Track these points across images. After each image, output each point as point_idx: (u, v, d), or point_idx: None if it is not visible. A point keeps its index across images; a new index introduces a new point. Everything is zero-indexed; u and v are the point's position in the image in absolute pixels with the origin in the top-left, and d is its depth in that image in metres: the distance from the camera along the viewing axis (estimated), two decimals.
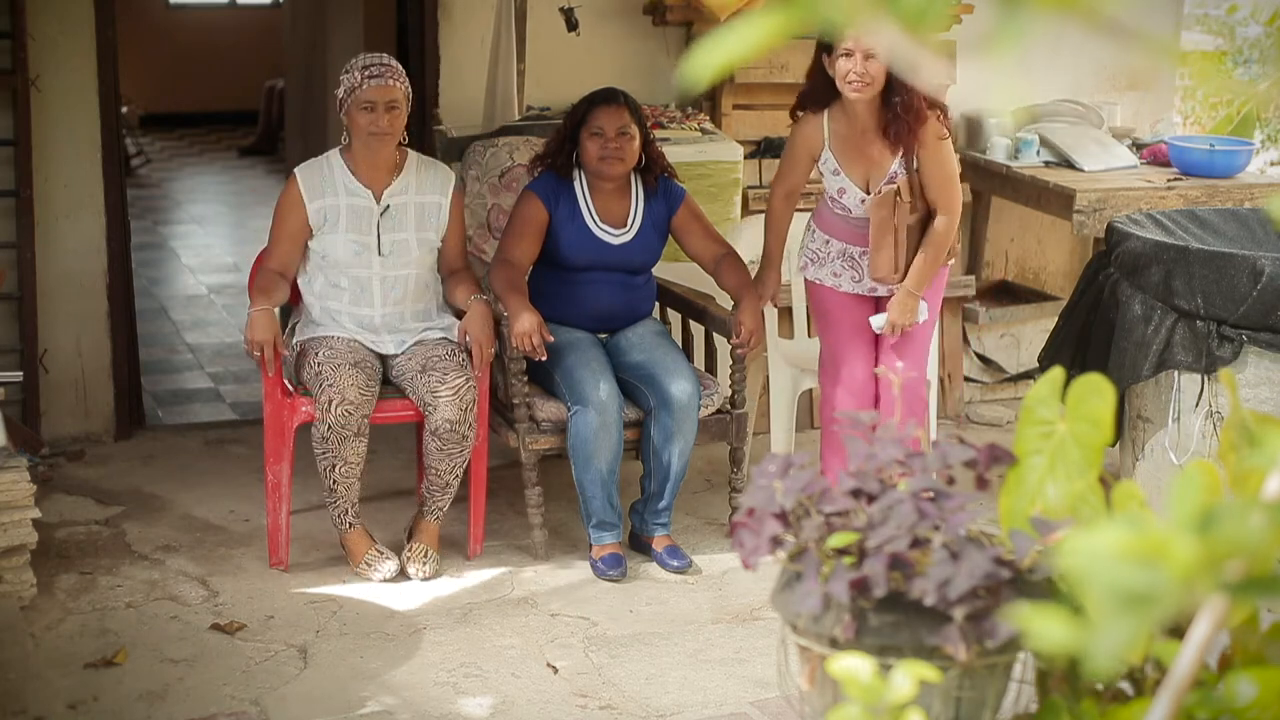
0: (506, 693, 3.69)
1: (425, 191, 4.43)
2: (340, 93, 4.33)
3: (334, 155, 4.42)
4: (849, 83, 4.22)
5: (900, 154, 4.34)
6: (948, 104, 4.42)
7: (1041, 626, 1.11)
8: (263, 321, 4.19)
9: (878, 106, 4.30)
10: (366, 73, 4.28)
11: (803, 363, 4.90)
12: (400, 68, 4.37)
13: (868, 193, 4.39)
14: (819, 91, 4.37)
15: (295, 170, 4.44)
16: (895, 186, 4.33)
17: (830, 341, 4.55)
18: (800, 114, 4.46)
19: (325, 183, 4.37)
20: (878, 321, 4.44)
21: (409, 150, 4.47)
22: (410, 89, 4.38)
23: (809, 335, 5.03)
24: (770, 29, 1.07)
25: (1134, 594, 1.08)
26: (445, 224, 4.46)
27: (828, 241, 4.52)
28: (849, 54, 4.21)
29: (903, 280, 4.40)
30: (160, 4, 13.25)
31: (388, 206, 4.38)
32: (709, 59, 1.09)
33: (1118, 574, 1.08)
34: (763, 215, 4.77)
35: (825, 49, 4.31)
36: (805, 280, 4.63)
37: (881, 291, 4.49)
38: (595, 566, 4.41)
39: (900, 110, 4.26)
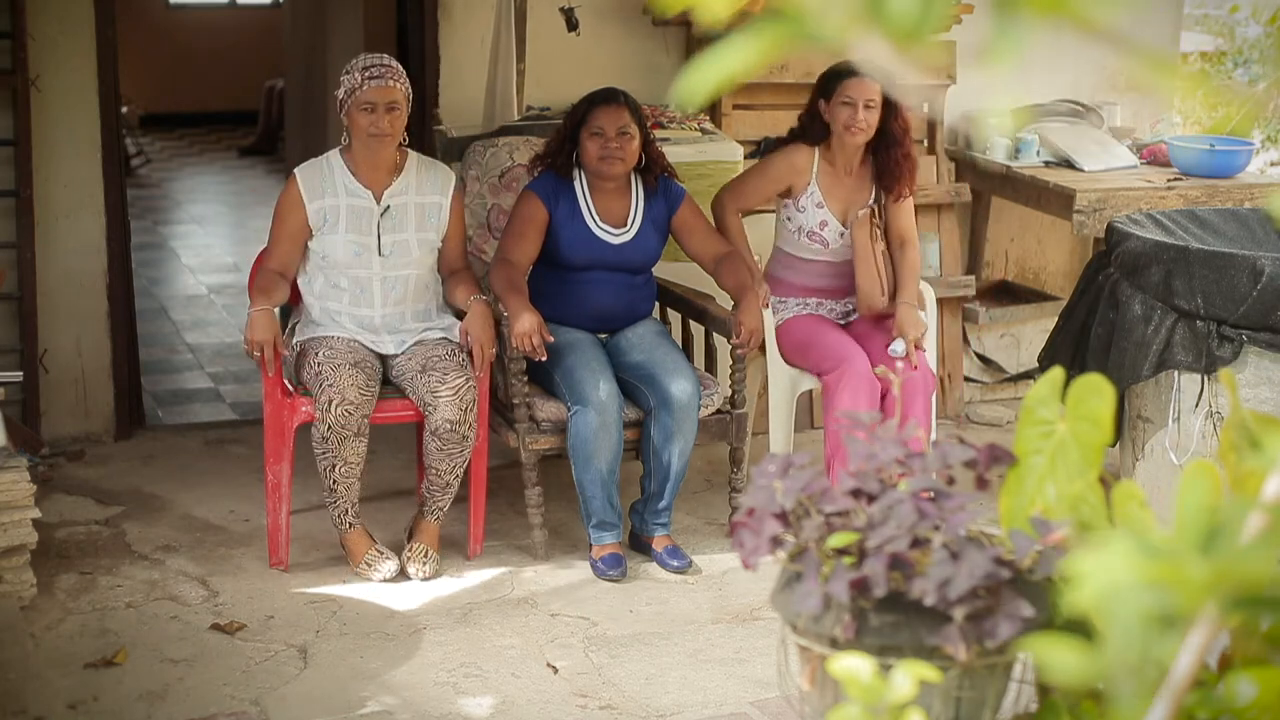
0: (506, 693, 3.69)
1: (425, 192, 4.43)
2: (340, 93, 4.33)
3: (334, 156, 4.42)
4: (848, 129, 4.63)
5: (874, 190, 4.75)
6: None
7: (1057, 659, 1.11)
8: (262, 321, 4.20)
9: (863, 149, 4.72)
10: (367, 73, 4.28)
11: None
12: (400, 68, 4.36)
13: (844, 225, 4.73)
14: (814, 130, 4.74)
15: (295, 170, 4.44)
16: (870, 208, 4.74)
17: (825, 350, 4.60)
18: (785, 145, 4.83)
19: (325, 183, 4.37)
20: (898, 348, 4.62)
21: (409, 150, 4.47)
22: (411, 90, 4.38)
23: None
24: (764, 46, 1.08)
25: (1153, 620, 1.07)
26: (445, 224, 4.46)
27: (783, 302, 4.80)
28: (848, 103, 4.62)
29: (888, 303, 4.73)
30: (160, 4, 13.25)
31: (388, 207, 4.38)
32: (705, 77, 1.10)
33: (1134, 602, 1.08)
34: (761, 215, 5.03)
35: (824, 94, 4.69)
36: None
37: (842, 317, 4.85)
38: (595, 566, 4.41)
39: (901, 158, 4.69)
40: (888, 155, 4.71)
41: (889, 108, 4.66)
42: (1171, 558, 1.11)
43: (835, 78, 4.66)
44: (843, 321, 4.84)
